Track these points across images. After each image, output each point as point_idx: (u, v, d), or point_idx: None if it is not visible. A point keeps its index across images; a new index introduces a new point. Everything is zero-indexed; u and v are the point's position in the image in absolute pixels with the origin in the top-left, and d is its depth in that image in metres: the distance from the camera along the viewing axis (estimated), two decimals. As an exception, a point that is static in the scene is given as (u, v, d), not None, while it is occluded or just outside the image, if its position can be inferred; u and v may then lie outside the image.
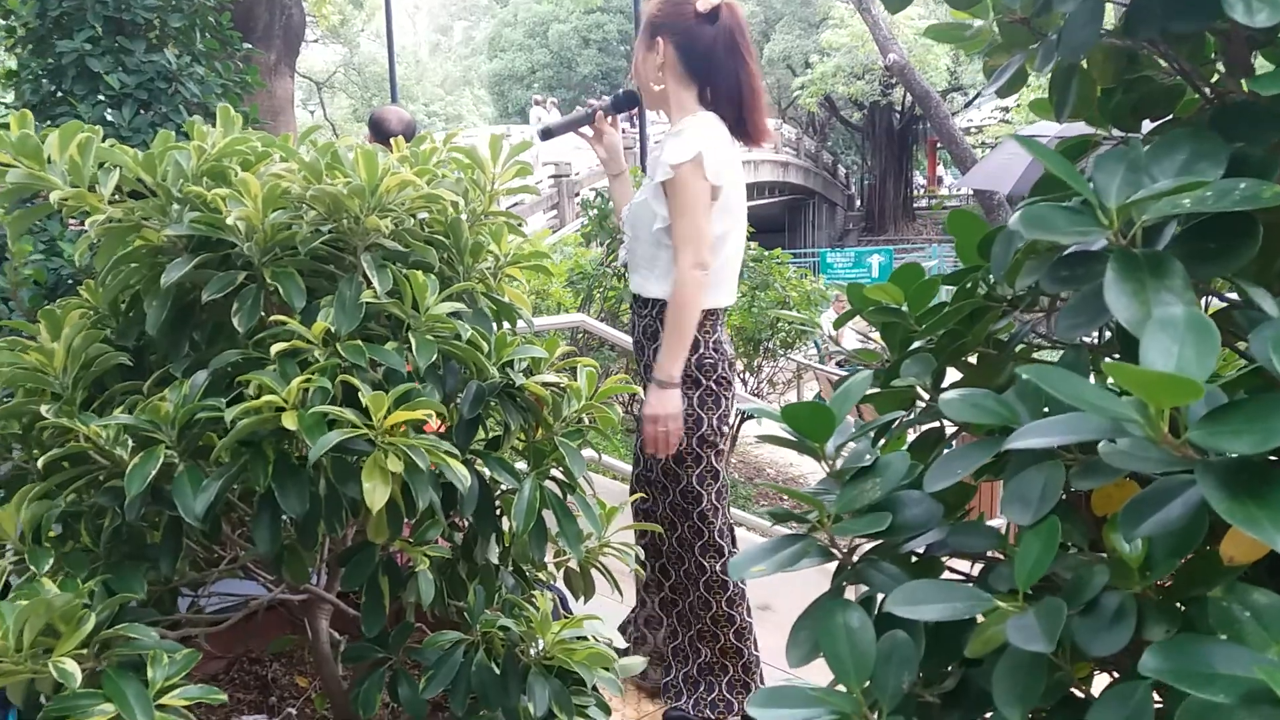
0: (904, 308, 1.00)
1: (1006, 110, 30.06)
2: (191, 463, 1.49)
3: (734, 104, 2.52)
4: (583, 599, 2.03)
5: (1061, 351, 1.03)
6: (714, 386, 2.55)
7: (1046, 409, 0.75)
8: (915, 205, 38.57)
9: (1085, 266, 0.72)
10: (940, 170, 41.15)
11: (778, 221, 32.29)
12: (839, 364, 11.79)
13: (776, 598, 5.11)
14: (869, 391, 1.01)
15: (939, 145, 35.31)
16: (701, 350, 2.53)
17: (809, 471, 7.97)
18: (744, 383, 7.48)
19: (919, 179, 41.04)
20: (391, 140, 1.90)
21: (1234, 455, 0.55)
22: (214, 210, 1.60)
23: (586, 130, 2.80)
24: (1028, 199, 0.85)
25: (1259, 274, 0.73)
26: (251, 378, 1.48)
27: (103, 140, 1.64)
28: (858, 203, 39.69)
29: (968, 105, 33.55)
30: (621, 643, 1.86)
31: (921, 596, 0.70)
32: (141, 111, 3.22)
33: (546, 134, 2.85)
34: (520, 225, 1.94)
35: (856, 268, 23.97)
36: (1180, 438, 0.56)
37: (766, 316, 6.65)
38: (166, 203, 1.64)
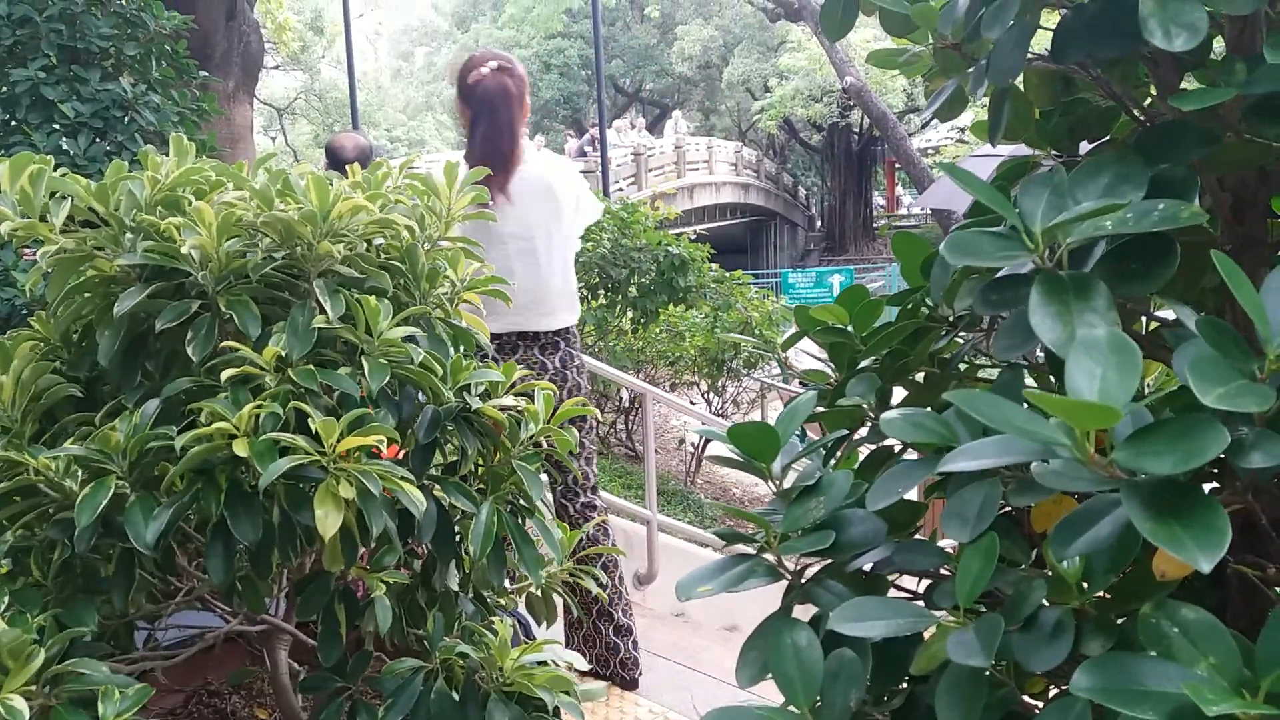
0: (849, 328, 1.01)
1: (963, 130, 30.48)
2: (144, 492, 1.47)
3: (485, 162, 2.84)
4: (545, 624, 2.02)
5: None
6: None
7: (985, 427, 0.77)
8: (875, 225, 39.02)
9: (1014, 290, 0.73)
10: (899, 190, 41.64)
11: (740, 242, 32.51)
12: (802, 383, 11.83)
13: (746, 618, 5.11)
14: (816, 410, 1.02)
15: (897, 166, 35.77)
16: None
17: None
18: (708, 403, 7.50)
19: (878, 199, 41.52)
20: (346, 167, 1.90)
21: (1157, 476, 0.56)
22: (167, 239, 1.59)
23: None
24: (961, 224, 0.87)
25: (1185, 291, 0.75)
26: (203, 405, 1.47)
27: (57, 170, 1.62)
28: (818, 223, 40.06)
29: (924, 126, 34.01)
30: (583, 665, 1.86)
31: (866, 614, 0.70)
32: (97, 140, 3.19)
33: None
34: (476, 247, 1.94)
35: (818, 288, 24.18)
36: (1108, 457, 0.58)
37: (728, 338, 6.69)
38: (119, 232, 1.63)
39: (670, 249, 6.46)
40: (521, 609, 2.10)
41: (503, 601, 2.02)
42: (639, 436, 6.81)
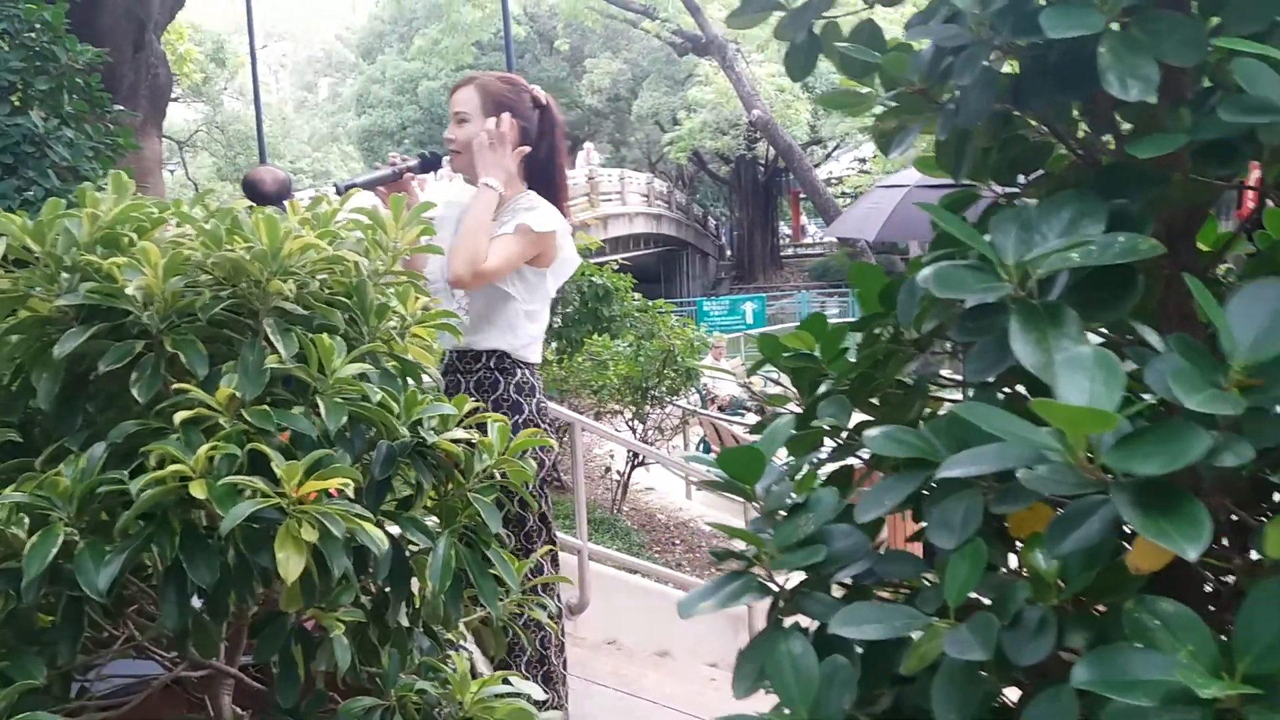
0: (817, 353, 1.07)
1: (864, 161, 31.40)
2: (92, 539, 1.44)
3: (549, 188, 2.88)
4: (494, 656, 2.02)
5: (959, 386, 1.11)
6: (547, 428, 2.83)
7: (959, 440, 0.82)
8: (782, 254, 39.85)
9: (989, 317, 0.80)
10: (804, 220, 42.59)
11: (653, 272, 32.83)
12: (720, 409, 12.03)
13: (678, 644, 5.14)
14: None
15: (802, 196, 36.62)
16: (539, 396, 2.82)
17: (698, 515, 8.08)
18: (633, 430, 7.55)
19: (784, 229, 42.40)
20: (286, 204, 1.90)
21: (1143, 476, 0.62)
22: (108, 278, 1.56)
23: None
24: (929, 254, 0.93)
25: (1137, 312, 0.82)
26: (154, 448, 1.45)
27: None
28: (728, 252, 40.73)
29: (827, 158, 34.93)
30: (540, 696, 1.86)
31: (863, 618, 0.75)
32: (5, 176, 3.10)
33: (348, 187, 2.84)
34: (423, 283, 1.95)
35: (732, 314, 24.60)
36: (1094, 462, 0.63)
37: (653, 364, 6.76)
38: (55, 271, 1.60)
39: (594, 279, 6.53)
40: (470, 644, 2.10)
41: (450, 636, 2.01)
42: (564, 466, 6.81)
